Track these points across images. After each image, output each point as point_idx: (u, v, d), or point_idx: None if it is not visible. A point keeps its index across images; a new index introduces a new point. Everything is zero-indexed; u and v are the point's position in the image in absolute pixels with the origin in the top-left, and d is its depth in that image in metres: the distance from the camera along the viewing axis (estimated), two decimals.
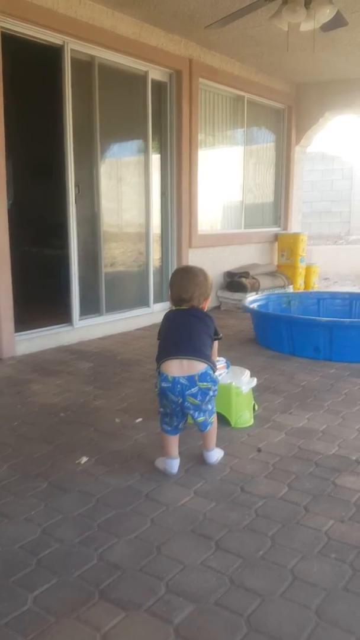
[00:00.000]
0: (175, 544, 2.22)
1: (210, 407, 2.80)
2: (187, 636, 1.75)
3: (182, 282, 2.88)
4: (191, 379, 2.66)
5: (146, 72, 6.29)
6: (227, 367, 3.55)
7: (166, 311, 2.98)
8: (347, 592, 1.95)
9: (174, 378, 2.66)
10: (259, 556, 2.15)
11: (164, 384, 2.68)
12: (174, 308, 2.92)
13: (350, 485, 2.70)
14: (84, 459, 2.97)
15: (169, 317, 2.90)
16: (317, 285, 9.07)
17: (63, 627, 1.79)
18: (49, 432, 3.36)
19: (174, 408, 2.72)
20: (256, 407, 3.66)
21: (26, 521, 2.39)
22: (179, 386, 2.65)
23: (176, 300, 2.87)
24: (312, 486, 2.69)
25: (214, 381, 2.75)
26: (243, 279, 7.53)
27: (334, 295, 6.71)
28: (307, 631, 1.76)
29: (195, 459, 2.97)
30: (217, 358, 3.06)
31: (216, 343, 2.92)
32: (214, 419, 2.86)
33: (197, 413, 2.75)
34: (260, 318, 5.68)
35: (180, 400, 2.67)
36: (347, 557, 2.13)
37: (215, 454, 2.95)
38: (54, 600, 1.90)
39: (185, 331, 2.78)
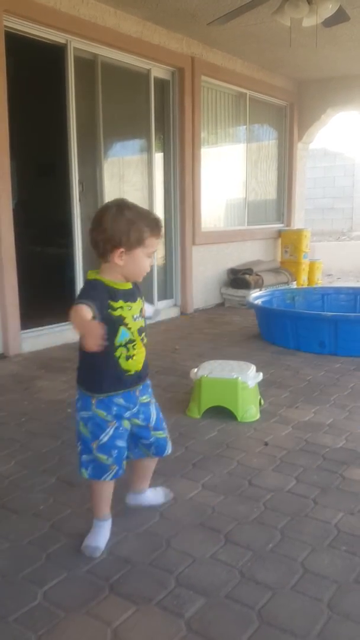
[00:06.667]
0: (184, 538, 2.21)
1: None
2: (198, 630, 1.74)
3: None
4: None
5: (149, 70, 6.29)
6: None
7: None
8: (359, 585, 1.94)
9: None
10: (269, 549, 2.14)
11: None
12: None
13: (358, 478, 2.69)
14: None
15: None
16: (321, 281, 9.06)
17: (73, 622, 1.78)
18: (56, 428, 3.36)
19: None
20: (262, 402, 3.65)
21: (35, 516, 2.39)
22: None
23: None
24: (320, 479, 2.68)
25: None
26: (247, 276, 7.52)
27: (338, 291, 6.70)
28: (320, 624, 1.75)
29: (202, 453, 2.97)
30: None
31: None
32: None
33: None
34: (265, 314, 5.67)
35: None
36: (358, 550, 2.12)
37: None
38: (64, 595, 1.90)
39: None
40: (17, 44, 4.96)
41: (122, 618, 1.79)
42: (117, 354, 2.03)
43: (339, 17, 4.59)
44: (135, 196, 6.47)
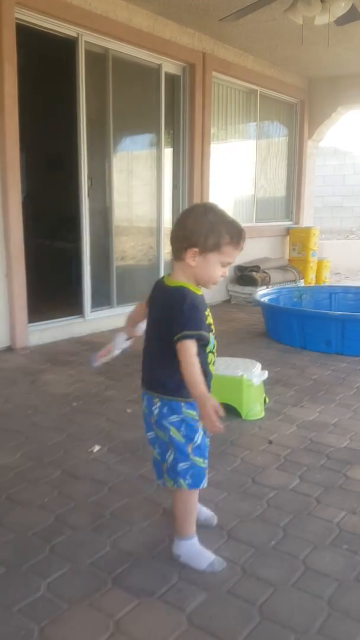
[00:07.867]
0: None
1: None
2: (199, 624, 1.76)
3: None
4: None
5: (160, 65, 6.28)
6: None
7: None
8: (359, 583, 1.95)
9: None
10: (271, 546, 2.15)
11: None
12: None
13: None
14: (96, 448, 2.99)
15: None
16: (329, 280, 9.04)
17: (76, 613, 1.80)
18: (61, 421, 3.39)
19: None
20: (267, 399, 3.66)
21: (39, 508, 2.41)
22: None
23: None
24: (324, 478, 2.70)
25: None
26: (254, 273, 7.52)
27: (346, 290, 6.69)
28: (319, 621, 1.77)
29: None
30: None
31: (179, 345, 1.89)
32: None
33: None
34: (272, 311, 5.67)
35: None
36: (359, 548, 2.13)
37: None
38: (67, 586, 1.92)
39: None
40: (28, 36, 4.96)
41: (124, 611, 1.81)
42: (209, 360, 2.04)
43: (352, 15, 4.58)
44: (143, 191, 6.48)
